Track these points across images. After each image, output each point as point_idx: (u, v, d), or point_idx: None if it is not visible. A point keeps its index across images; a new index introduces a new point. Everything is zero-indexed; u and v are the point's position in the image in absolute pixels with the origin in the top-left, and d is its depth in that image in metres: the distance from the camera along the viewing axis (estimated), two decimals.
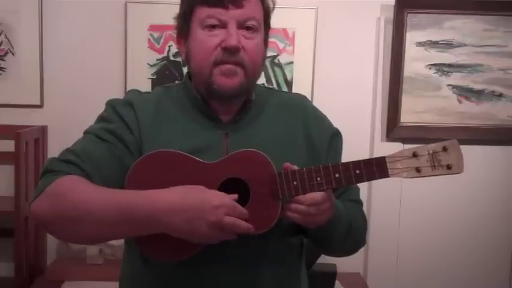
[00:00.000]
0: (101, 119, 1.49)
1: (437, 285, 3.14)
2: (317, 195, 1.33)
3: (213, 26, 1.40)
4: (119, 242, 2.75)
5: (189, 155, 1.37)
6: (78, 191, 1.29)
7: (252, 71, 1.44)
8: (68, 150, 1.41)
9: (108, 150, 1.40)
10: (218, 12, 1.39)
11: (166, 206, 1.26)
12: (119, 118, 1.45)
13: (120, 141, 1.42)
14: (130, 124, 1.44)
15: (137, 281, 1.49)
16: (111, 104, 1.49)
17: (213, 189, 1.33)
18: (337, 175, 1.33)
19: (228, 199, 1.28)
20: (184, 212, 1.25)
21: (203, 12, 1.40)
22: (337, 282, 2.73)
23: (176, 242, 1.32)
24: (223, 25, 1.40)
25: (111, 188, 1.33)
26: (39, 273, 2.92)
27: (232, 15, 1.39)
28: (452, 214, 3.13)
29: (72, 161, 1.36)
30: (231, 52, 1.39)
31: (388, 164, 1.32)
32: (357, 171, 1.33)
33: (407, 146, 1.34)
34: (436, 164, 1.32)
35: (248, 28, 1.42)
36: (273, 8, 1.50)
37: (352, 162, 1.34)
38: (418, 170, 1.31)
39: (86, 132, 1.47)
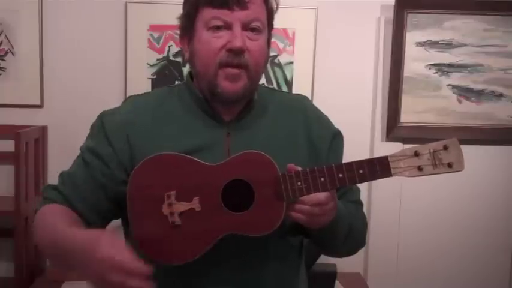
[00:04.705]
0: (91, 136, 1.51)
1: (437, 285, 3.15)
2: (321, 196, 1.33)
3: (218, 27, 1.40)
4: None
5: (192, 157, 1.37)
6: (40, 228, 1.41)
7: (256, 73, 1.44)
8: (60, 175, 1.50)
9: (88, 174, 1.45)
10: (223, 14, 1.38)
11: (72, 247, 1.26)
12: (108, 143, 1.46)
13: (104, 165, 1.45)
14: (118, 151, 1.45)
15: None
16: (103, 127, 1.49)
17: (218, 191, 1.34)
18: (340, 175, 1.33)
19: (120, 255, 1.17)
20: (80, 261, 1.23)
21: (208, 13, 1.40)
22: (337, 282, 2.74)
23: (180, 244, 1.33)
24: (228, 26, 1.39)
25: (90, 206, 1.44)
26: (39, 273, 2.92)
27: (237, 16, 1.38)
28: (453, 214, 3.13)
29: (57, 187, 1.47)
30: (235, 54, 1.39)
31: (390, 164, 1.32)
32: (360, 171, 1.33)
33: (407, 146, 1.35)
34: (437, 163, 1.32)
35: (252, 29, 1.41)
36: (277, 8, 1.50)
37: (355, 162, 1.34)
38: (420, 168, 1.32)
39: (80, 149, 1.51)
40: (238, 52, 1.38)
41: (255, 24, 1.41)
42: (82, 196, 1.44)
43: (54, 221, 1.37)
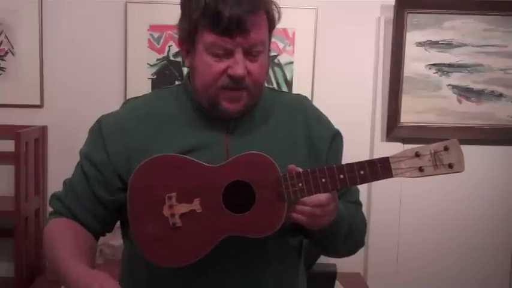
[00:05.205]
0: (89, 141, 1.52)
1: (437, 285, 3.15)
2: (322, 197, 1.33)
3: (219, 54, 1.37)
4: (119, 242, 2.76)
5: (193, 159, 1.37)
6: (47, 246, 1.47)
7: (257, 91, 1.43)
8: (63, 183, 1.53)
9: (87, 185, 1.47)
10: (224, 41, 1.35)
11: (67, 282, 1.33)
12: (103, 147, 1.46)
13: (99, 172, 1.46)
14: (113, 156, 1.45)
15: (139, 284, 1.50)
16: (100, 130, 1.49)
17: (219, 192, 1.34)
18: (341, 176, 1.34)
19: None
20: None
21: (208, 37, 1.36)
22: (337, 282, 2.74)
23: (181, 246, 1.34)
24: (229, 53, 1.36)
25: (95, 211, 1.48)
26: (39, 273, 2.93)
27: (239, 43, 1.35)
28: (452, 214, 3.13)
29: (61, 198, 1.51)
30: (236, 80, 1.37)
31: (392, 165, 1.33)
32: (361, 172, 1.34)
33: (407, 146, 1.35)
34: (438, 164, 1.32)
35: (254, 53, 1.39)
36: (279, 18, 1.45)
37: (356, 163, 1.34)
38: (421, 169, 1.32)
39: (80, 154, 1.51)
40: (239, 79, 1.37)
41: (257, 48, 1.38)
42: (82, 205, 1.47)
43: (57, 245, 1.42)
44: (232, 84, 1.37)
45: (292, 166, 1.35)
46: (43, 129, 3.00)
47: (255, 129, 1.48)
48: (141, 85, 2.96)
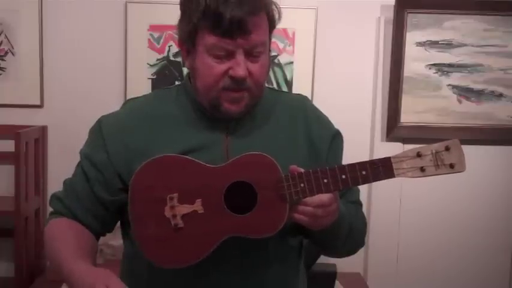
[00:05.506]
0: (89, 141, 1.52)
1: (437, 285, 3.15)
2: (324, 197, 1.33)
3: (220, 55, 1.38)
4: (119, 242, 2.76)
5: (194, 159, 1.37)
6: (48, 246, 1.48)
7: (258, 91, 1.43)
8: (64, 183, 1.54)
9: (88, 186, 1.48)
10: (225, 43, 1.35)
11: (71, 281, 1.33)
12: (104, 148, 1.47)
13: (99, 172, 1.47)
14: (114, 156, 1.46)
15: (139, 284, 1.49)
16: (100, 130, 1.49)
17: (220, 193, 1.34)
18: (343, 176, 1.34)
19: None
20: None
21: (209, 39, 1.36)
22: (337, 282, 2.74)
23: (182, 247, 1.34)
24: (230, 54, 1.36)
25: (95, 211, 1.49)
26: (39, 273, 2.93)
27: (240, 44, 1.35)
28: (453, 214, 3.13)
29: (61, 198, 1.52)
30: (238, 81, 1.37)
31: (393, 165, 1.33)
32: (363, 172, 1.34)
33: (407, 146, 1.35)
34: (439, 164, 1.33)
35: (255, 53, 1.39)
36: (279, 18, 1.45)
37: (358, 163, 1.35)
38: (422, 169, 1.33)
39: (80, 154, 1.52)
40: (241, 80, 1.37)
41: (258, 49, 1.38)
42: (82, 205, 1.48)
43: (59, 245, 1.43)
44: (233, 85, 1.38)
45: (294, 166, 1.35)
46: (43, 129, 3.00)
47: (255, 130, 1.49)
48: (141, 85, 2.95)
